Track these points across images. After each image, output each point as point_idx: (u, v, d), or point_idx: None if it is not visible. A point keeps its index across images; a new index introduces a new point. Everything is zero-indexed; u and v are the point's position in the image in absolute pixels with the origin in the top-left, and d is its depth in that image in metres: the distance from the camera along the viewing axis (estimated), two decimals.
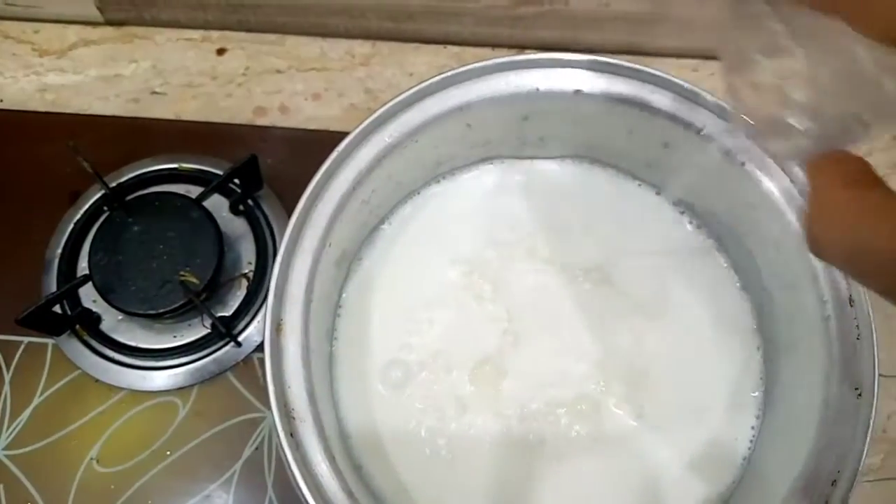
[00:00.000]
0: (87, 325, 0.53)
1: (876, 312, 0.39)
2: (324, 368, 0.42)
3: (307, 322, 0.37)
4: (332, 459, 0.36)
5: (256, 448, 0.51)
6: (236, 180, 0.56)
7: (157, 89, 0.62)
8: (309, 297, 0.38)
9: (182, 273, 0.51)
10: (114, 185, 0.56)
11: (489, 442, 0.43)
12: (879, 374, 0.55)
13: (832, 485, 0.36)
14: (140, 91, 0.62)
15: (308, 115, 0.61)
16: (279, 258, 0.37)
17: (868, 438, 0.36)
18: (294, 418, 0.35)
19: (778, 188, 0.41)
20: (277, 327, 0.37)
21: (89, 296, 0.54)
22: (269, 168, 0.57)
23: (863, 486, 0.53)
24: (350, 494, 0.35)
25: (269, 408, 0.36)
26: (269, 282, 0.37)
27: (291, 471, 0.34)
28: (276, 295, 0.37)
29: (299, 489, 0.34)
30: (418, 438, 0.43)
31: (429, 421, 0.43)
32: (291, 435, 0.35)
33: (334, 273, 0.42)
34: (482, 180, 0.49)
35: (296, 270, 0.38)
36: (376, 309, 0.46)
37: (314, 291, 0.38)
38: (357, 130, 0.40)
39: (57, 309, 0.53)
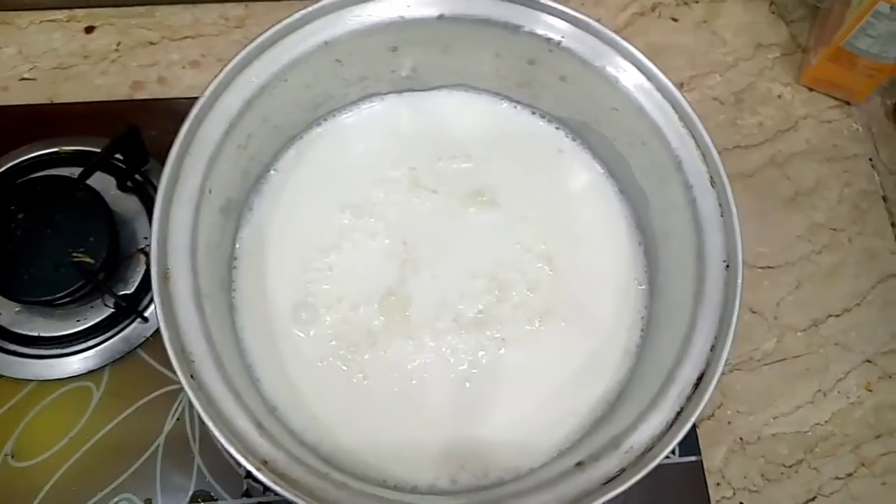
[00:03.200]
0: None
1: (745, 197, 0.41)
2: (223, 316, 0.42)
3: (195, 269, 0.38)
4: (237, 396, 0.36)
5: (178, 419, 0.51)
6: (119, 156, 0.55)
7: (26, 75, 0.60)
8: (194, 245, 0.38)
9: (75, 254, 0.50)
10: None
11: (403, 365, 0.44)
12: (767, 266, 0.60)
13: (711, 350, 0.39)
14: (7, 78, 0.59)
15: (188, 83, 0.60)
16: (157, 207, 0.37)
17: (738, 302, 0.39)
18: (193, 361, 0.36)
19: (633, 86, 0.43)
20: (164, 275, 0.37)
21: None
22: (153, 141, 0.56)
23: (761, 370, 0.58)
24: (259, 425, 0.35)
25: (169, 355, 0.36)
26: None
27: (197, 411, 0.34)
28: (158, 243, 0.37)
29: (210, 428, 0.34)
30: (333, 373, 0.44)
31: (343, 355, 0.44)
32: (192, 377, 0.35)
33: (221, 221, 0.42)
34: (362, 119, 0.49)
35: (176, 219, 0.38)
36: (272, 258, 0.46)
37: (199, 239, 0.38)
38: (222, 73, 0.40)
39: None
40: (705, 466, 0.53)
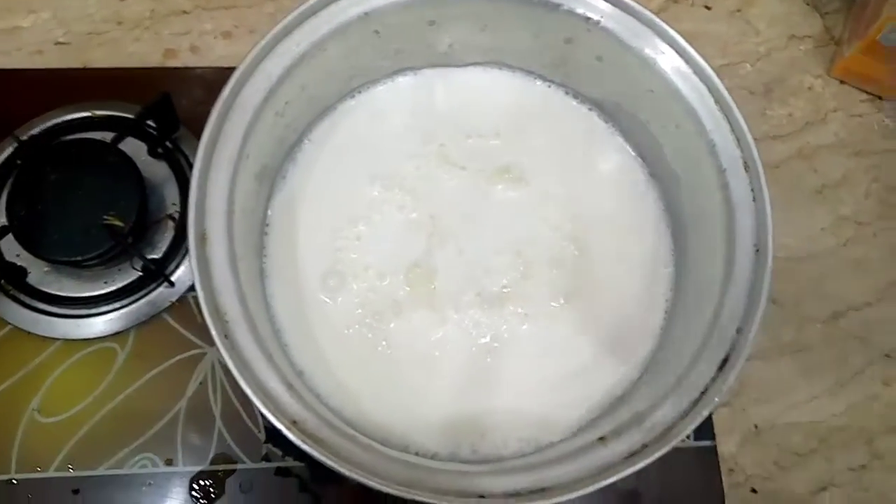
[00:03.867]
0: (13, 280, 0.52)
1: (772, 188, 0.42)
2: (254, 281, 0.42)
3: (231, 232, 0.38)
4: (269, 357, 0.37)
5: (201, 383, 0.52)
6: (151, 122, 0.55)
7: (61, 39, 0.60)
8: (231, 209, 0.39)
9: (106, 217, 0.50)
10: (25, 137, 0.55)
11: (427, 336, 0.45)
12: (791, 257, 0.60)
13: (737, 332, 0.39)
14: (42, 42, 0.60)
15: (220, 53, 0.60)
16: (196, 169, 0.38)
17: (766, 287, 0.39)
18: (227, 321, 0.36)
19: (671, 68, 0.43)
20: (202, 237, 0.37)
21: (12, 250, 0.53)
22: (184, 109, 0.56)
23: (779, 360, 0.58)
24: (289, 386, 0.36)
25: (203, 316, 0.36)
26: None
27: (229, 368, 0.35)
28: (196, 206, 0.37)
29: (241, 384, 0.35)
30: (359, 340, 0.44)
31: (369, 323, 0.45)
32: (226, 336, 0.36)
33: (256, 187, 0.43)
34: (395, 93, 0.50)
35: (214, 182, 0.38)
36: (303, 226, 0.47)
37: (235, 203, 0.39)
38: (265, 40, 0.40)
39: None
40: (719, 452, 0.53)
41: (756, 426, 0.55)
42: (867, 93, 0.65)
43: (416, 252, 0.47)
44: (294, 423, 0.35)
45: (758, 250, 0.40)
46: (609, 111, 0.50)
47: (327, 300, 0.45)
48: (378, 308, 0.45)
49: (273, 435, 0.50)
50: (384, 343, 0.45)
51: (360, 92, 0.49)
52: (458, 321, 0.45)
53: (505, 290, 0.46)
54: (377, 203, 0.48)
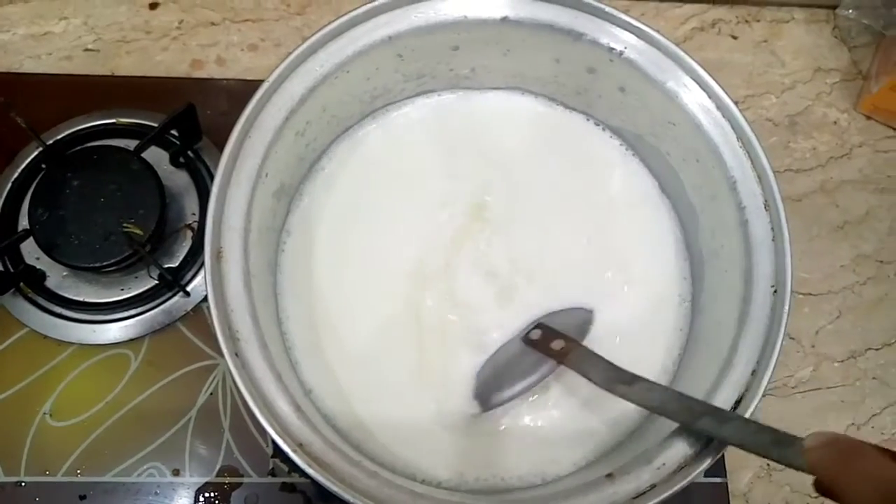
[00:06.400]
0: (32, 283, 0.53)
1: (792, 222, 0.41)
2: (267, 297, 0.42)
3: (247, 250, 0.38)
4: (278, 378, 0.37)
5: (211, 394, 0.52)
6: (174, 132, 0.56)
7: (90, 46, 0.61)
8: (248, 226, 0.39)
9: (125, 224, 0.51)
10: (51, 142, 0.56)
11: (439, 362, 0.45)
12: (809, 293, 0.59)
13: (752, 374, 0.38)
14: (72, 48, 0.61)
15: (245, 66, 0.61)
16: (215, 186, 0.38)
17: (783, 329, 0.38)
18: (238, 339, 0.36)
19: (694, 102, 0.43)
20: (217, 254, 0.37)
21: (32, 253, 0.53)
22: (208, 120, 0.57)
23: (794, 397, 0.57)
24: (297, 408, 0.36)
25: (216, 333, 0.37)
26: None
27: (238, 388, 0.35)
28: (213, 223, 0.38)
29: (249, 405, 0.35)
30: (368, 362, 0.44)
31: (380, 345, 0.45)
32: (237, 354, 0.36)
33: (273, 205, 0.43)
34: (416, 115, 0.50)
35: (233, 199, 0.39)
36: (318, 246, 0.47)
37: (252, 221, 0.39)
38: (288, 59, 0.40)
39: None
40: (730, 489, 0.52)
41: (768, 464, 0.54)
42: (894, 129, 0.64)
43: (432, 272, 0.47)
44: (300, 446, 0.35)
45: (776, 291, 0.40)
46: (630, 140, 0.50)
47: (340, 320, 0.45)
48: (391, 331, 0.45)
49: (280, 450, 0.50)
50: (394, 367, 0.44)
51: (381, 114, 0.49)
52: (470, 347, 0.45)
53: (517, 316, 0.45)
54: (394, 223, 0.48)
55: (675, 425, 0.39)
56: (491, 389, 0.43)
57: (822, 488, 0.30)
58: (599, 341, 0.46)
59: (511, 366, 0.43)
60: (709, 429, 0.34)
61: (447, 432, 0.43)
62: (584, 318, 0.45)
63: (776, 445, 0.31)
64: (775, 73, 0.65)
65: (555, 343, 0.42)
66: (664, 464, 0.37)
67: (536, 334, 0.43)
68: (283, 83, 0.41)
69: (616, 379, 0.38)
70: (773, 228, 0.41)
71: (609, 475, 0.37)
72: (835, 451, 0.27)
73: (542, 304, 0.46)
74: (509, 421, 0.44)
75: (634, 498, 0.36)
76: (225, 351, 0.36)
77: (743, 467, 0.54)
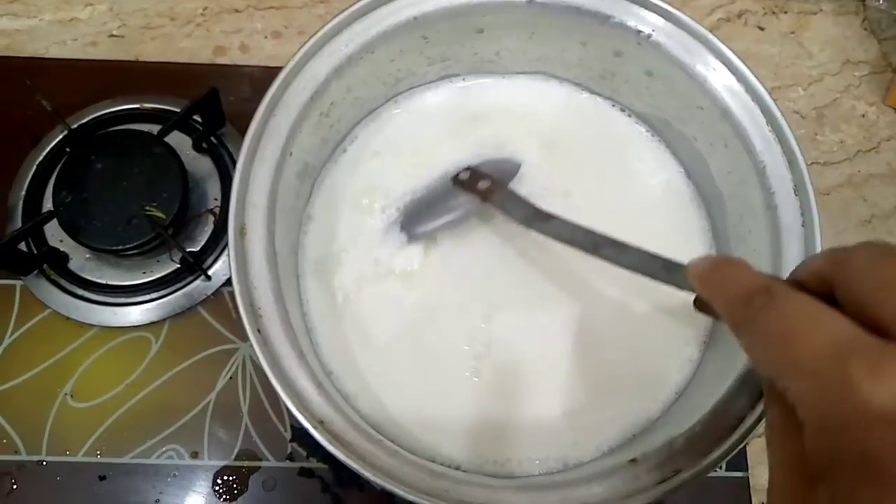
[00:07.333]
0: (55, 265, 0.54)
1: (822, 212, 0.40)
2: (290, 277, 0.42)
3: (270, 227, 0.38)
4: (300, 355, 0.36)
5: (231, 378, 0.52)
6: (198, 117, 0.56)
7: (115, 32, 0.61)
8: (271, 204, 0.39)
9: (148, 208, 0.51)
10: (75, 125, 0.56)
11: (460, 346, 0.44)
12: None
13: None
14: (97, 34, 0.61)
15: (268, 53, 0.61)
16: (240, 163, 0.38)
17: None
18: (261, 315, 0.36)
19: (722, 86, 0.42)
20: (241, 230, 0.37)
21: (56, 235, 0.54)
22: (231, 106, 0.57)
23: None
24: (319, 385, 0.36)
25: (238, 311, 0.36)
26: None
27: (260, 363, 0.35)
28: (238, 199, 0.37)
29: (270, 380, 0.35)
30: (389, 345, 0.44)
31: (400, 328, 0.45)
32: (259, 331, 0.36)
33: (297, 185, 0.43)
34: (440, 98, 0.49)
35: (257, 177, 0.39)
36: (341, 229, 0.47)
37: (276, 199, 0.39)
38: (314, 39, 0.40)
39: (23, 247, 0.53)
40: (751, 484, 0.51)
41: None
42: None
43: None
44: (321, 423, 0.35)
45: None
46: (656, 126, 0.49)
47: (361, 303, 0.45)
48: (411, 315, 0.45)
49: (299, 434, 0.50)
50: (414, 350, 0.44)
51: (405, 96, 0.49)
52: (491, 333, 0.45)
53: (540, 304, 0.45)
54: None
55: (700, 413, 0.38)
56: (416, 222, 0.45)
57: (699, 303, 0.33)
58: (623, 326, 0.45)
59: (437, 202, 0.46)
60: (610, 257, 0.36)
61: (468, 415, 0.43)
62: (512, 167, 0.47)
63: (665, 269, 0.34)
64: (803, 64, 0.64)
65: (481, 184, 0.44)
66: (688, 450, 0.36)
67: (465, 175, 0.46)
68: (309, 62, 0.41)
69: (535, 217, 0.40)
70: (802, 214, 0.40)
71: (633, 461, 0.37)
72: (710, 262, 0.29)
73: (563, 293, 0.45)
74: (533, 405, 0.43)
75: (658, 483, 0.35)
76: (247, 326, 0.36)
77: (764, 462, 0.53)
